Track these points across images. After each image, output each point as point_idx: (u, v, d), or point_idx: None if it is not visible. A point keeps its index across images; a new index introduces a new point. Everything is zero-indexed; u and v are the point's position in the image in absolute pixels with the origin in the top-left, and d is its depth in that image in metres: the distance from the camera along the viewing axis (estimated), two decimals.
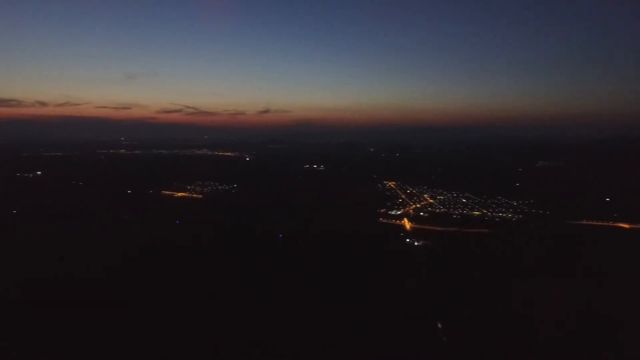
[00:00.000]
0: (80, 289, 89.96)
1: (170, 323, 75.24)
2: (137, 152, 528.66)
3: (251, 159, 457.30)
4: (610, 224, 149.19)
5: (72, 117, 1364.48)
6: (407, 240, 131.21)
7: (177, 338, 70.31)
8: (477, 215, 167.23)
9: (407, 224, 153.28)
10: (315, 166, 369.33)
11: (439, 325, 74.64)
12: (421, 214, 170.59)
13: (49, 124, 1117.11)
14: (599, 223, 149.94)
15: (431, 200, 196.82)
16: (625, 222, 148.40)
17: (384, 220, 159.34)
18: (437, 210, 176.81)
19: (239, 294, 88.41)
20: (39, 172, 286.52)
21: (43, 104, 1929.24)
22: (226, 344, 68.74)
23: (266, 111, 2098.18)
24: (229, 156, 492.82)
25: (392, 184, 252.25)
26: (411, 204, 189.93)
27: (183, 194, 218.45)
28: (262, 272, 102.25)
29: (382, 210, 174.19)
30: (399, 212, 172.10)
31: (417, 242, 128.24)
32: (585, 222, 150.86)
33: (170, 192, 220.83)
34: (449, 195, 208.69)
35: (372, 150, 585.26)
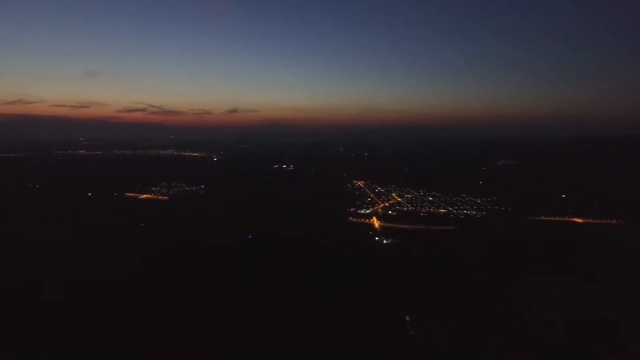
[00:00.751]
0: (31, 298, 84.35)
1: (136, 327, 71.79)
2: (98, 152, 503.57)
3: (219, 159, 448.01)
4: (566, 219, 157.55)
5: (25, 115, 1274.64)
6: (377, 238, 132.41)
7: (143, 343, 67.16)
8: (443, 212, 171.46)
9: (376, 222, 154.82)
10: (284, 166, 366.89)
11: (407, 319, 75.62)
12: (390, 212, 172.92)
13: None
14: (556, 218, 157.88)
15: (399, 199, 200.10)
16: (579, 217, 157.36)
17: (354, 220, 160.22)
18: (405, 209, 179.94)
19: (208, 294, 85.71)
20: None
21: None
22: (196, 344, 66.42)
23: (234, 111, 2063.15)
24: (196, 157, 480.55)
25: (361, 183, 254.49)
26: (380, 202, 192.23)
27: (148, 196, 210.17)
28: (230, 273, 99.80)
29: (351, 210, 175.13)
30: (368, 211, 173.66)
31: (386, 240, 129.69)
32: (544, 218, 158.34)
33: (134, 195, 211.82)
34: (416, 193, 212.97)
35: (341, 149, 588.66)
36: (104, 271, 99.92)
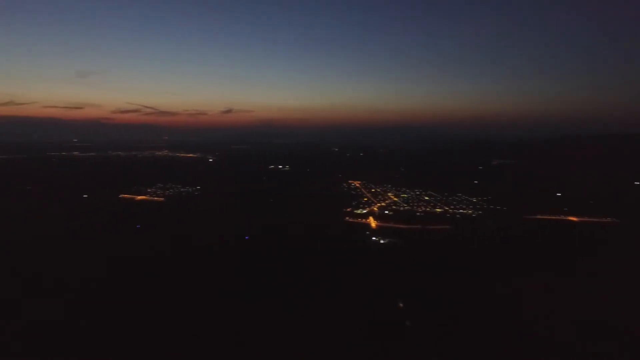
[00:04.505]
0: (27, 301, 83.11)
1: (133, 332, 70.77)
2: (92, 154, 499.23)
3: (214, 160, 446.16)
4: (562, 217, 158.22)
5: (17, 117, 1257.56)
6: (373, 238, 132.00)
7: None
8: (439, 212, 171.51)
9: (372, 222, 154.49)
10: (280, 166, 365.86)
11: (407, 322, 75.39)
12: (386, 212, 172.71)
13: None
14: (552, 217, 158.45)
15: (395, 199, 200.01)
16: (575, 216, 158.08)
17: (350, 219, 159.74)
18: (401, 208, 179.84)
19: (205, 296, 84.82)
20: None
21: None
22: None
23: (228, 111, 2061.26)
24: (191, 157, 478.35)
25: (357, 183, 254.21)
26: (376, 202, 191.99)
27: (143, 197, 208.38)
28: (226, 274, 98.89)
29: (348, 210, 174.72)
30: (365, 211, 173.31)
31: (383, 239, 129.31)
32: (539, 217, 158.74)
33: (129, 196, 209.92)
34: (412, 193, 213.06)
35: (336, 150, 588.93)
36: (99, 272, 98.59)
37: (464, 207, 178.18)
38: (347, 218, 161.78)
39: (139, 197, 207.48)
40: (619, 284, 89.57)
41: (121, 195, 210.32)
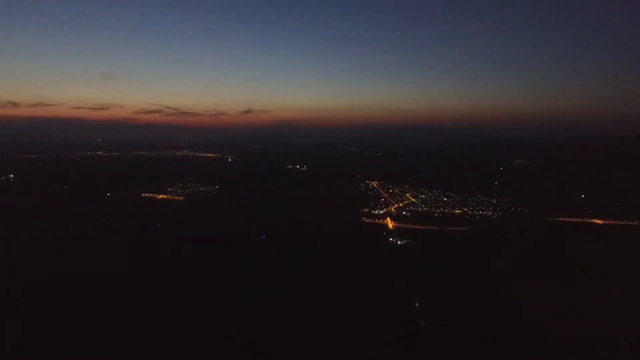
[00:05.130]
0: (53, 295, 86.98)
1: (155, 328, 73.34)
2: (116, 153, 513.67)
3: (233, 160, 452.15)
4: (586, 220, 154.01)
5: (46, 118, 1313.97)
6: (391, 239, 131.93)
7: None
8: (458, 213, 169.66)
9: (390, 223, 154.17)
10: (297, 166, 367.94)
11: (423, 324, 75.52)
12: (403, 213, 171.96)
13: (21, 126, 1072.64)
14: (575, 219, 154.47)
15: (413, 199, 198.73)
16: (599, 219, 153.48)
17: (368, 220, 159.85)
18: (419, 209, 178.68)
19: (223, 295, 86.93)
20: (11, 176, 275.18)
21: (15, 104, 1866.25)
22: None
23: (248, 111, 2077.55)
24: (211, 157, 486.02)
25: (374, 183, 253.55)
26: (394, 203, 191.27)
27: (164, 196, 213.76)
28: (244, 274, 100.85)
29: (365, 210, 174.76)
30: (382, 212, 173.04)
31: (400, 241, 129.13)
32: (562, 219, 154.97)
33: (150, 195, 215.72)
34: (430, 194, 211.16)
35: (354, 150, 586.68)
36: (121, 270, 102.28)
37: (484, 208, 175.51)
38: (364, 218, 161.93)
39: (160, 196, 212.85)
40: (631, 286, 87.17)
41: (143, 194, 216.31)
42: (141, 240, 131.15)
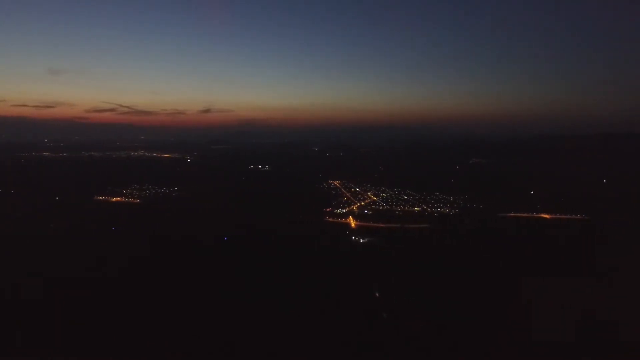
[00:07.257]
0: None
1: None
2: (65, 154, 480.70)
3: (192, 161, 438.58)
4: (535, 215, 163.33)
5: None
6: (353, 237, 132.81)
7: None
8: (418, 211, 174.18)
9: (352, 221, 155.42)
10: (260, 166, 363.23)
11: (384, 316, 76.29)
12: (365, 211, 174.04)
13: None
14: (525, 214, 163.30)
15: (375, 198, 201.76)
16: (547, 213, 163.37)
17: (330, 219, 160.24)
18: (381, 208, 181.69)
19: (180, 299, 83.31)
20: None
21: None
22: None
23: (207, 111, 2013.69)
24: (169, 158, 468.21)
25: (337, 182, 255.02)
26: (356, 202, 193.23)
27: (119, 199, 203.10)
28: (205, 275, 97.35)
29: (328, 209, 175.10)
30: (345, 211, 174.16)
31: (363, 239, 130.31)
32: (514, 215, 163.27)
33: (104, 198, 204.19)
34: (391, 192, 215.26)
35: (316, 149, 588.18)
36: (75, 273, 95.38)
37: (442, 205, 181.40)
38: (327, 218, 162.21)
39: (114, 199, 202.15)
40: (590, 279, 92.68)
41: (96, 197, 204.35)
42: (95, 245, 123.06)
